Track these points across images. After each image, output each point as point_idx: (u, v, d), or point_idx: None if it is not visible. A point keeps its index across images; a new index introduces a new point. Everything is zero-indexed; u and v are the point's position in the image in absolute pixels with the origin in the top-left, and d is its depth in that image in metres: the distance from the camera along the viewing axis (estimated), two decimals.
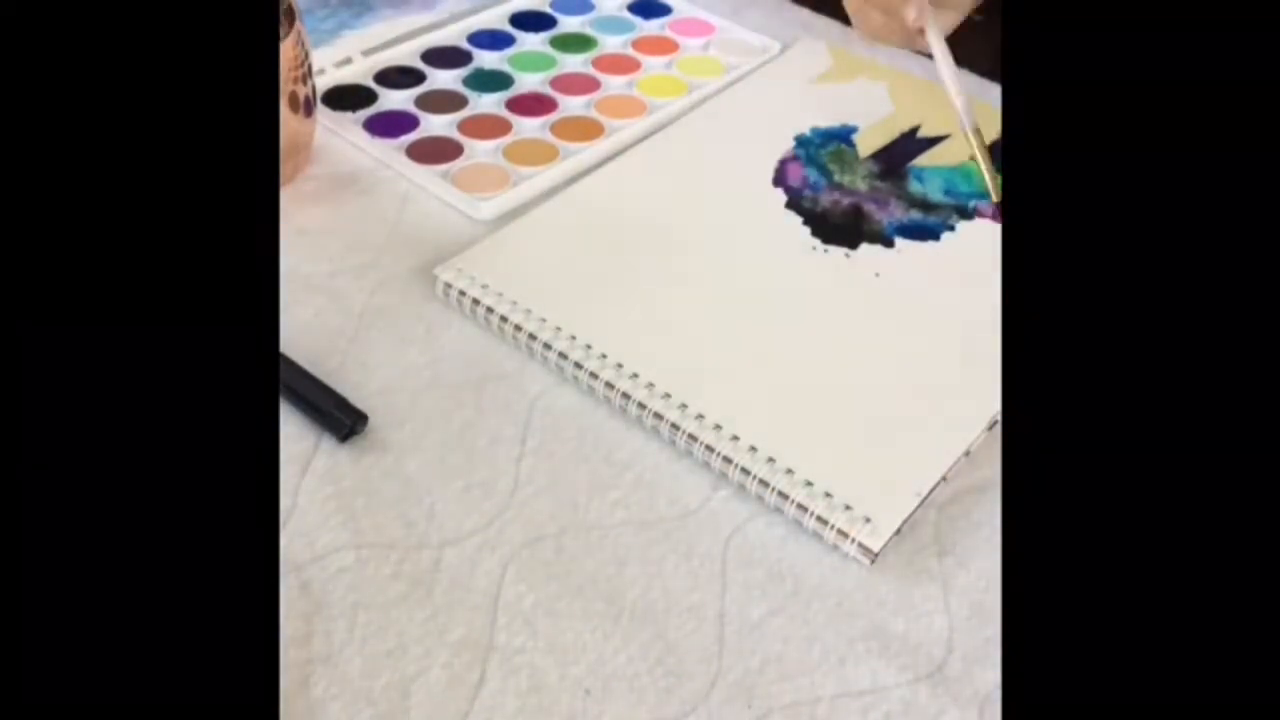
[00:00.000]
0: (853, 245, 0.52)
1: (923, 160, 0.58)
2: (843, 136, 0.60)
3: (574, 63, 0.65)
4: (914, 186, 0.56)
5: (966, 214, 0.55)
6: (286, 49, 0.51)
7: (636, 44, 0.67)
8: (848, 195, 0.56)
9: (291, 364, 0.45)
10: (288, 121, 0.53)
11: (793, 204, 0.55)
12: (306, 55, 0.54)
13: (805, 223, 0.53)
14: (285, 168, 0.55)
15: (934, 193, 0.56)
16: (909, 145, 0.59)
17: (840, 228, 0.53)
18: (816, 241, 0.52)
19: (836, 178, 0.57)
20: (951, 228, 0.54)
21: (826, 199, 0.55)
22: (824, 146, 0.59)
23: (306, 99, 0.55)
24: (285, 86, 0.52)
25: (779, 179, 0.56)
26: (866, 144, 0.59)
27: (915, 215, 0.54)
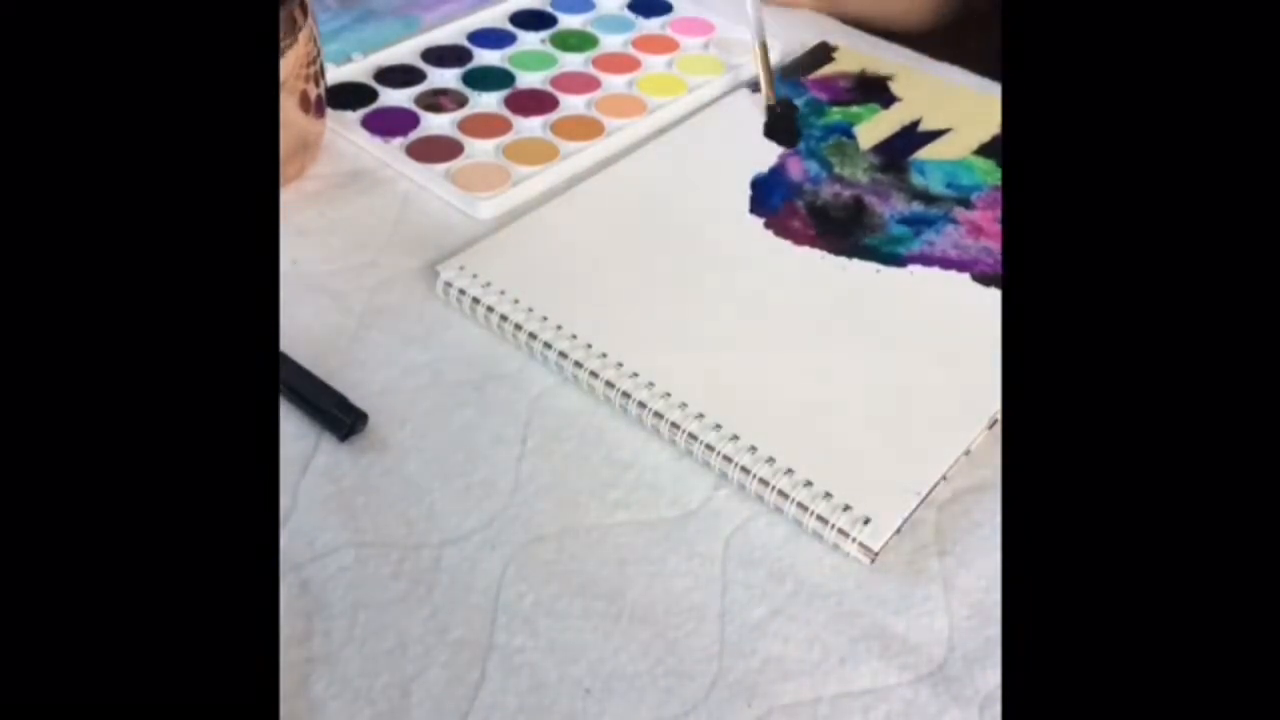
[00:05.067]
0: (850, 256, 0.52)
1: (924, 153, 0.58)
2: (843, 129, 0.60)
3: (574, 61, 0.65)
4: (915, 179, 0.56)
5: (968, 206, 0.55)
6: (298, 47, 0.51)
7: (637, 43, 0.67)
8: (849, 188, 0.56)
9: (291, 363, 0.45)
10: (298, 121, 0.53)
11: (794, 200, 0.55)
12: (318, 53, 0.54)
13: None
14: (293, 166, 0.55)
15: (935, 185, 0.56)
16: (910, 138, 0.59)
17: (841, 220, 0.53)
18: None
19: (837, 170, 0.57)
20: (953, 220, 0.54)
21: (827, 191, 0.55)
22: (824, 140, 0.59)
23: (318, 99, 0.55)
24: (296, 85, 0.52)
25: (780, 175, 0.56)
26: (868, 136, 0.59)
27: (917, 207, 0.54)
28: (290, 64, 0.51)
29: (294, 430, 0.43)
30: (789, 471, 0.41)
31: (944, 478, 0.42)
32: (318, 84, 0.54)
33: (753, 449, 0.42)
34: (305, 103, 0.53)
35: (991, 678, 0.36)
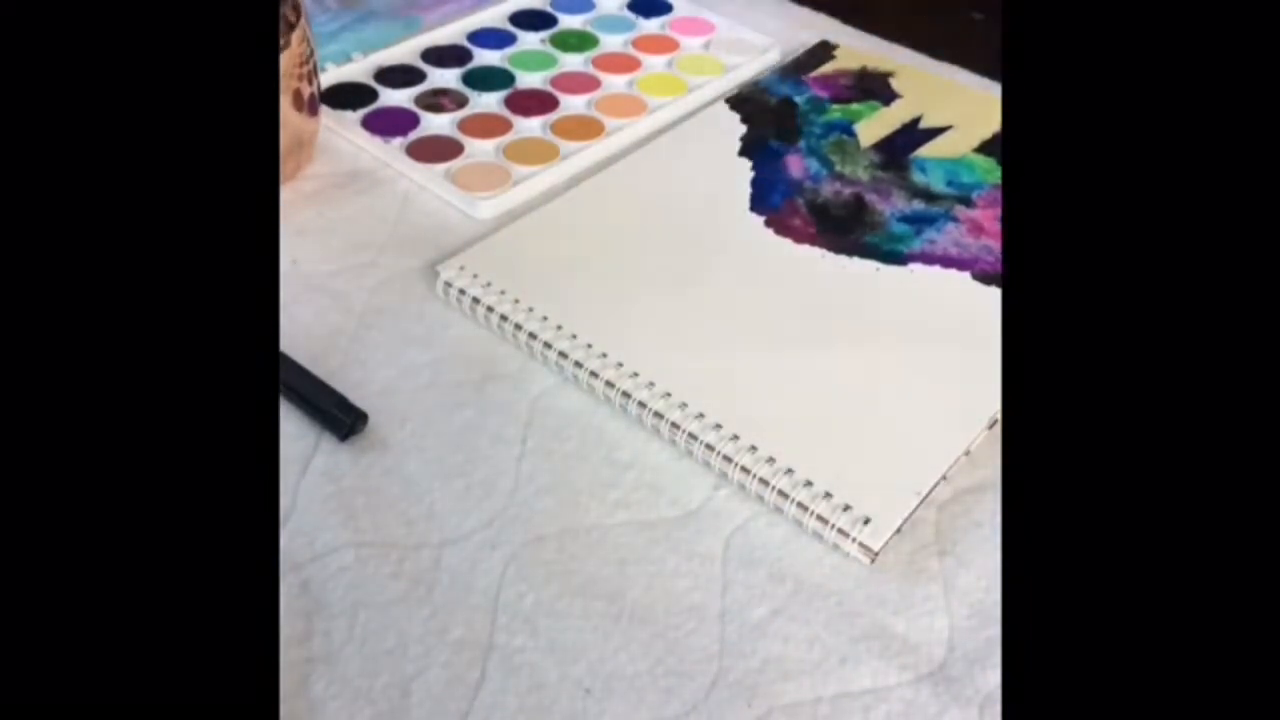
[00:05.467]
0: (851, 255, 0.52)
1: (925, 151, 0.58)
2: (844, 127, 0.60)
3: (574, 62, 0.65)
4: (916, 177, 0.56)
5: (969, 204, 0.55)
6: (292, 47, 0.51)
7: (636, 43, 0.67)
8: (849, 185, 0.56)
9: (291, 363, 0.45)
10: (292, 119, 0.53)
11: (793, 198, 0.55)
12: (312, 53, 0.54)
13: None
14: (288, 165, 0.55)
15: (936, 183, 0.56)
16: (911, 135, 0.59)
17: (842, 218, 0.53)
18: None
19: (838, 168, 0.57)
20: (954, 218, 0.54)
21: (828, 189, 0.55)
22: (825, 137, 0.59)
23: (311, 97, 0.55)
24: (290, 84, 0.52)
25: (780, 172, 0.56)
26: (868, 134, 0.59)
27: (918, 205, 0.54)
28: (284, 63, 0.51)
29: (294, 430, 0.43)
30: (789, 471, 0.41)
31: (944, 478, 0.42)
32: (311, 82, 0.54)
33: (753, 449, 0.42)
34: (299, 101, 0.53)
35: (991, 678, 0.36)
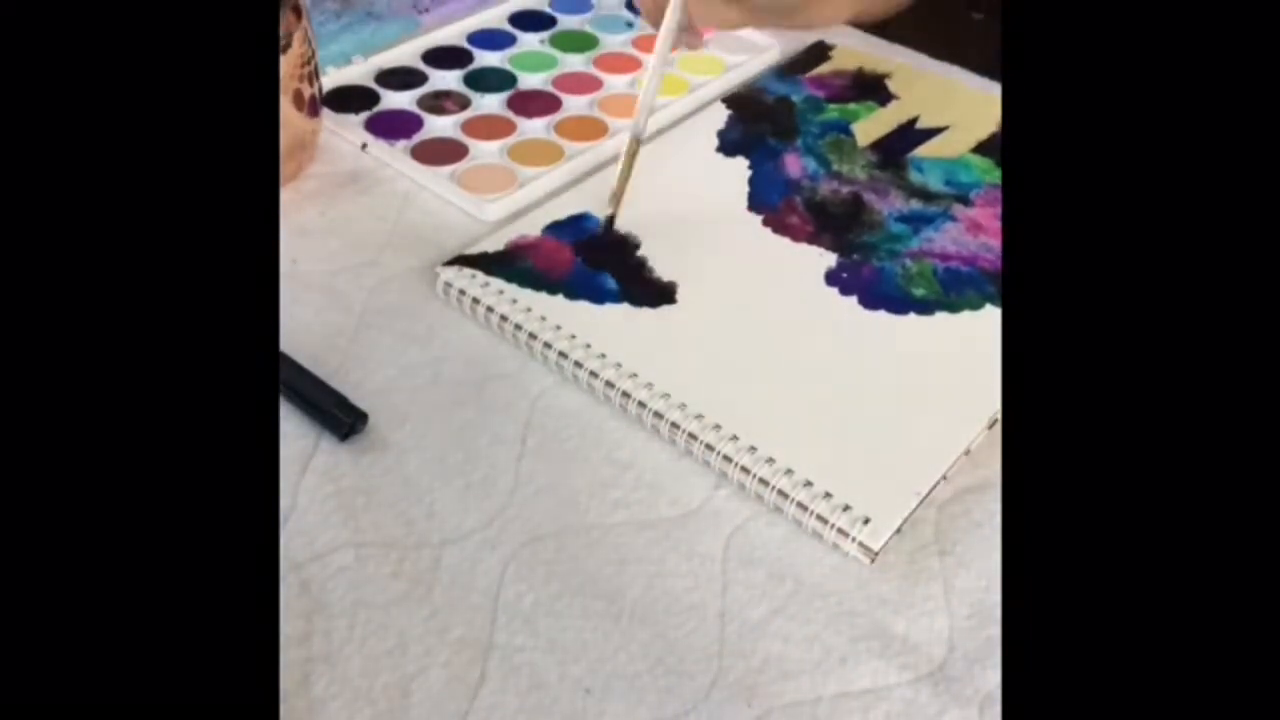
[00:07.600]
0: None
1: (923, 150, 0.58)
2: (841, 127, 0.60)
3: (575, 62, 0.65)
4: (914, 176, 0.56)
5: (967, 203, 0.55)
6: (293, 48, 0.51)
7: (637, 42, 0.67)
8: (847, 184, 0.56)
9: (291, 363, 0.45)
10: (293, 120, 0.53)
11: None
12: (313, 54, 0.54)
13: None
14: (289, 166, 0.55)
15: (934, 182, 0.56)
16: (908, 135, 0.59)
17: (839, 216, 0.53)
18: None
19: (835, 167, 0.57)
20: (952, 218, 0.54)
21: (825, 188, 0.55)
22: (822, 136, 0.59)
23: (312, 98, 0.55)
24: (290, 84, 0.52)
25: (778, 172, 0.56)
26: (865, 134, 0.59)
27: (915, 205, 0.54)
28: (285, 65, 0.51)
29: (294, 430, 0.43)
30: (789, 471, 0.41)
31: (944, 478, 0.42)
32: (312, 83, 0.54)
33: (753, 449, 0.42)
34: (300, 102, 0.53)
35: (991, 678, 0.36)
